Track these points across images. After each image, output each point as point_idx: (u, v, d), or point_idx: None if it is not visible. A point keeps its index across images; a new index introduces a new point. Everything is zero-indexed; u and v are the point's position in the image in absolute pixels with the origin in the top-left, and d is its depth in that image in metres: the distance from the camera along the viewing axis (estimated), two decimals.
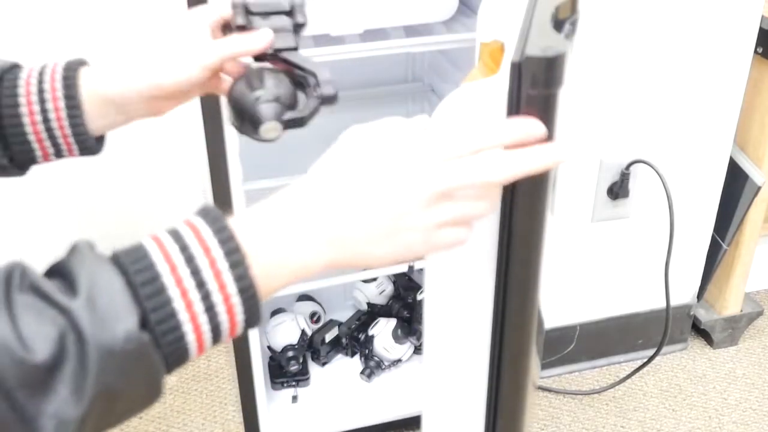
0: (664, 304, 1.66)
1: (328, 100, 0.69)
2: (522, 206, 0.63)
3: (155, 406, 1.71)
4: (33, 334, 0.41)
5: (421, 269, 1.52)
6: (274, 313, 1.71)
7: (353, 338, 1.71)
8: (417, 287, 1.74)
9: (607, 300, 1.78)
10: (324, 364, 1.71)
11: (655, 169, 1.56)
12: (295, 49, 0.71)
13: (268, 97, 0.67)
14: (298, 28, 0.71)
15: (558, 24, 0.66)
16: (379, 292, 1.75)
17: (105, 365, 0.42)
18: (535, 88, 0.57)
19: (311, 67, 0.69)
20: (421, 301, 1.67)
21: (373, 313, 1.74)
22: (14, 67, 0.69)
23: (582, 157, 1.58)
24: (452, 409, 0.80)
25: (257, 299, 0.47)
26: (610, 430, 1.68)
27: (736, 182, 1.70)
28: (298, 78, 0.69)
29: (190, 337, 0.46)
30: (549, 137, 0.59)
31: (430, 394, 0.81)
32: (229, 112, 0.70)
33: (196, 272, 0.45)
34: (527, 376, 0.74)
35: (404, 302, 1.73)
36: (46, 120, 0.66)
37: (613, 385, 1.77)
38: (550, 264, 1.63)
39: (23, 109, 0.66)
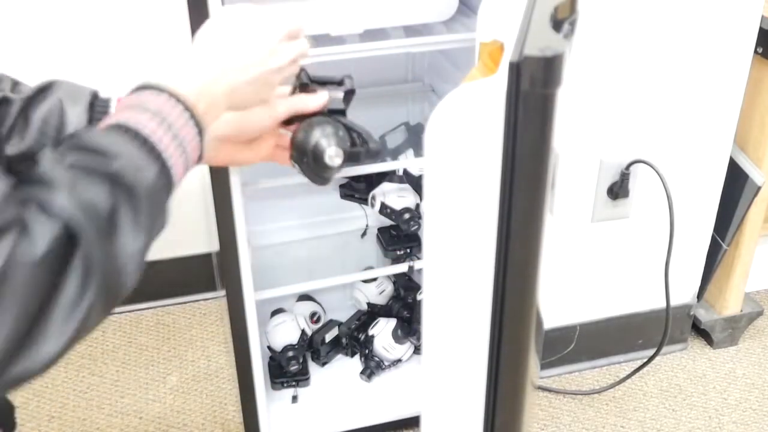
0: (664, 304, 1.66)
1: (375, 153, 0.90)
2: (520, 206, 0.63)
3: (155, 407, 1.71)
4: (93, 194, 0.55)
5: (421, 269, 1.52)
6: (274, 313, 1.71)
7: (353, 338, 1.71)
8: (417, 287, 1.74)
9: (607, 300, 1.78)
10: (324, 364, 1.71)
11: (655, 169, 1.56)
12: (344, 112, 0.89)
13: (329, 132, 0.85)
14: (347, 95, 0.89)
15: (557, 24, 0.66)
16: (379, 292, 1.75)
17: (148, 201, 0.59)
18: (533, 87, 0.57)
19: (358, 127, 0.88)
20: (421, 301, 1.68)
21: (373, 313, 1.74)
22: (96, 95, 0.78)
23: (582, 157, 1.58)
24: (451, 410, 0.81)
25: (204, 133, 0.68)
26: (610, 430, 1.68)
27: (736, 182, 1.70)
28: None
29: (175, 172, 0.64)
30: (547, 138, 0.59)
31: (429, 394, 0.81)
32: (292, 151, 0.87)
33: (172, 132, 0.64)
34: (526, 376, 0.74)
35: (404, 302, 1.73)
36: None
37: (613, 385, 1.77)
38: (550, 264, 1.63)
39: None
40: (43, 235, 0.52)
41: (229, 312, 1.36)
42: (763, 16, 1.53)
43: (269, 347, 1.65)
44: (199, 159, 0.68)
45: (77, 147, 0.58)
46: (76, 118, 0.74)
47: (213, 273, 2.01)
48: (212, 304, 2.03)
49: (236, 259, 1.30)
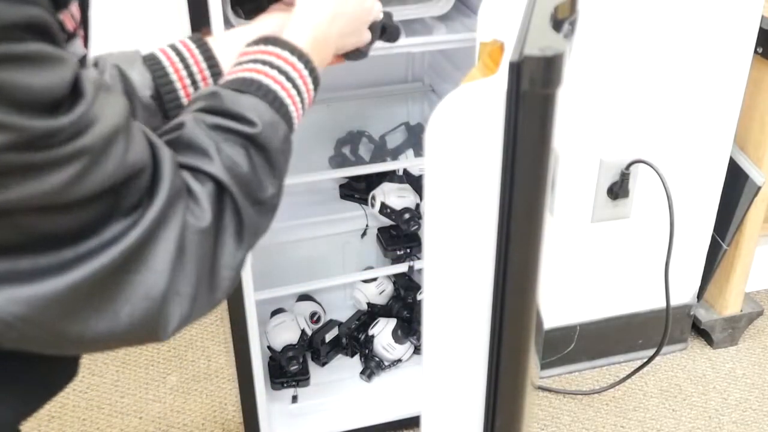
0: (664, 304, 1.66)
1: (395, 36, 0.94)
2: (520, 206, 0.63)
3: (155, 407, 1.71)
4: (236, 157, 0.61)
5: (421, 269, 1.52)
6: (274, 313, 1.71)
7: (353, 338, 1.71)
8: (417, 287, 1.74)
9: (607, 300, 1.78)
10: (324, 364, 1.71)
11: (655, 169, 1.56)
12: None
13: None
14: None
15: (557, 24, 0.66)
16: (379, 292, 1.75)
17: (281, 155, 0.66)
18: (533, 87, 0.57)
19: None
20: (421, 301, 1.68)
21: (373, 313, 1.74)
22: (140, 53, 0.80)
23: (582, 157, 1.58)
24: (451, 410, 0.80)
25: (319, 85, 0.74)
26: (610, 430, 1.68)
27: (736, 182, 1.70)
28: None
29: (296, 124, 0.70)
30: (547, 138, 0.59)
31: (429, 394, 0.81)
32: None
33: (296, 88, 0.70)
34: (526, 376, 0.74)
35: (404, 302, 1.73)
36: (194, 83, 0.79)
37: (613, 385, 1.77)
38: (550, 264, 1.63)
39: (173, 76, 0.77)
40: (205, 198, 0.58)
41: (229, 312, 1.36)
42: (763, 16, 1.53)
43: (269, 347, 1.65)
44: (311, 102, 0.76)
45: (216, 110, 0.63)
46: (139, 77, 0.76)
47: None
48: None
49: None
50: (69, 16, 0.58)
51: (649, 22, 1.47)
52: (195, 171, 0.59)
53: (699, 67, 1.54)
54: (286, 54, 0.70)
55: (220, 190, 0.59)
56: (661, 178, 1.55)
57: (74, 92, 0.49)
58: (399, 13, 1.29)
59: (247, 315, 1.36)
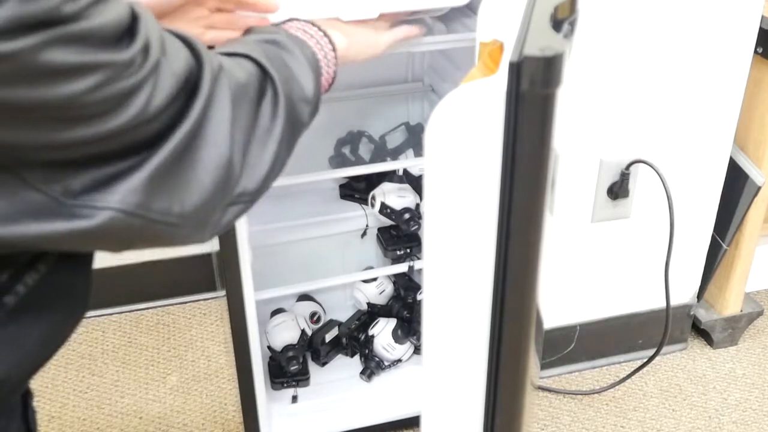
0: (664, 304, 1.66)
1: None
2: (520, 206, 0.63)
3: (155, 407, 1.71)
4: (266, 50, 0.76)
5: (421, 269, 1.52)
6: (274, 313, 1.71)
7: (353, 338, 1.71)
8: (417, 287, 1.74)
9: (607, 300, 1.78)
10: (324, 364, 1.71)
11: (655, 169, 1.56)
12: None
13: None
14: None
15: (557, 24, 0.66)
16: (379, 292, 1.75)
17: (309, 64, 0.81)
18: (533, 87, 0.57)
19: None
20: (421, 301, 1.68)
21: (373, 313, 1.74)
22: None
23: (582, 157, 1.58)
24: (451, 410, 0.81)
25: (338, 58, 0.91)
26: (610, 430, 1.68)
27: (736, 182, 1.70)
28: None
29: (321, 83, 0.84)
30: (547, 138, 0.60)
31: (429, 394, 0.81)
32: None
33: (320, 45, 0.87)
34: (526, 375, 0.74)
35: (404, 302, 1.73)
36: None
37: (613, 385, 1.77)
38: (550, 264, 1.63)
39: None
40: (245, 70, 0.69)
41: (229, 312, 1.36)
42: (763, 16, 1.53)
43: (269, 347, 1.65)
44: (331, 84, 0.90)
45: (262, 37, 0.80)
46: None
47: (213, 273, 2.01)
48: (212, 304, 2.03)
49: (236, 259, 1.30)
50: None
51: (649, 22, 1.47)
52: (235, 55, 0.71)
53: (699, 67, 1.54)
54: (307, 25, 0.88)
55: (260, 67, 0.71)
56: (661, 178, 1.55)
57: (133, 18, 0.54)
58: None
59: (247, 315, 1.36)
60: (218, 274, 1.95)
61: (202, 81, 0.61)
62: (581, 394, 1.77)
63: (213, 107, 0.62)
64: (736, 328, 1.89)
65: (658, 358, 1.74)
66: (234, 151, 0.64)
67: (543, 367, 1.79)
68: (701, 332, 1.91)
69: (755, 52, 1.58)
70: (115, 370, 1.82)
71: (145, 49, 0.54)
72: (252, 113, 0.67)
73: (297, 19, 0.89)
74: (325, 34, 0.88)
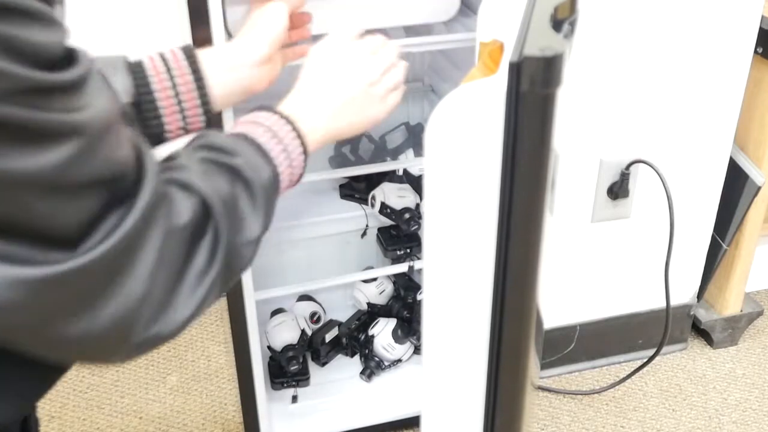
0: (664, 304, 1.66)
1: None
2: (520, 206, 0.63)
3: (155, 407, 1.71)
4: (221, 182, 0.64)
5: (421, 269, 1.52)
6: (274, 313, 1.71)
7: (353, 338, 1.71)
8: (417, 287, 1.74)
9: (607, 300, 1.78)
10: (324, 364, 1.71)
11: (655, 169, 1.56)
12: None
13: None
14: None
15: (557, 24, 0.66)
16: (379, 292, 1.75)
17: (263, 195, 0.68)
18: (533, 87, 0.57)
19: None
20: (421, 301, 1.68)
21: (373, 313, 1.74)
22: (127, 59, 0.81)
23: (582, 157, 1.58)
24: (451, 410, 0.81)
25: (308, 155, 0.79)
26: (610, 430, 1.68)
27: (736, 182, 1.70)
28: None
29: (282, 184, 0.74)
30: (547, 138, 0.60)
31: (429, 394, 0.81)
32: None
33: (283, 146, 0.75)
34: (526, 375, 0.74)
35: (404, 302, 1.73)
36: (177, 94, 0.81)
37: (613, 385, 1.77)
38: (550, 264, 1.63)
39: (156, 86, 0.79)
40: (186, 207, 0.59)
41: (229, 312, 1.36)
42: (763, 16, 1.53)
43: (269, 347, 1.65)
44: (300, 176, 0.79)
45: (205, 145, 0.68)
46: (121, 84, 0.77)
47: None
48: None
49: None
50: None
51: (649, 21, 1.47)
52: (182, 185, 0.61)
53: (699, 67, 1.54)
54: (274, 118, 0.76)
55: (204, 207, 0.61)
56: (661, 178, 1.55)
57: (70, 58, 0.49)
58: (403, 18, 1.29)
59: (247, 315, 1.36)
60: None
61: (137, 201, 0.54)
62: (581, 394, 1.77)
63: (142, 237, 0.54)
64: (736, 328, 1.89)
65: (658, 358, 1.74)
66: (150, 293, 0.55)
67: (543, 367, 1.79)
68: (701, 332, 1.91)
69: (755, 52, 1.58)
70: (115, 370, 1.82)
71: (74, 96, 0.48)
72: (184, 256, 0.59)
73: (273, 111, 0.77)
74: (298, 135, 0.77)
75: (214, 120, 0.85)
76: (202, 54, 0.83)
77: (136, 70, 0.78)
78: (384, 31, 1.30)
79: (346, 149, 1.68)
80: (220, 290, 0.63)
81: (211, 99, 0.83)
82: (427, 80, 1.74)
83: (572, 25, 0.74)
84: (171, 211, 0.57)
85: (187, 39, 1.08)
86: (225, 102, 0.87)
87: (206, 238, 0.61)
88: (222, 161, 0.66)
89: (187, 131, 0.83)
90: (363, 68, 0.86)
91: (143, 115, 0.78)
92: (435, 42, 1.30)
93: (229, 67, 0.85)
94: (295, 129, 0.76)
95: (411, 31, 1.32)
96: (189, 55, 0.81)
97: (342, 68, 0.85)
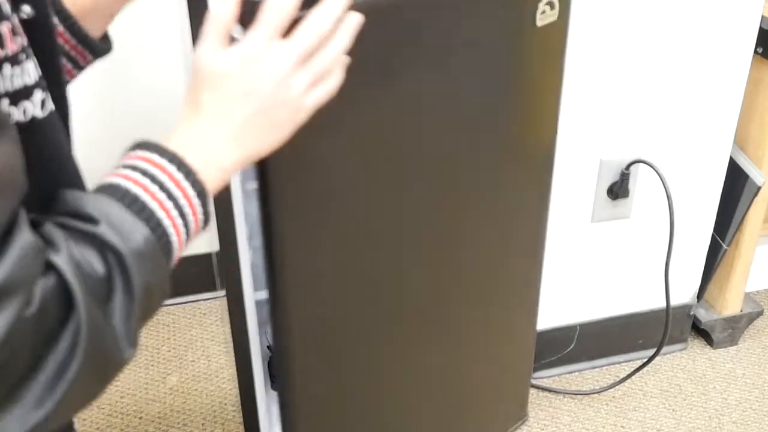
0: (664, 304, 1.66)
1: None
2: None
3: (155, 407, 1.71)
4: (87, 257, 0.53)
5: None
6: None
7: None
8: None
9: (607, 300, 1.78)
10: None
11: (655, 169, 1.56)
12: None
13: None
14: None
15: None
16: None
17: (139, 266, 0.55)
18: None
19: None
20: None
21: None
22: None
23: (582, 157, 1.58)
24: None
25: (207, 195, 0.63)
26: (610, 430, 1.68)
27: (736, 182, 1.70)
28: None
29: (174, 237, 0.60)
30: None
31: None
32: None
33: (165, 191, 0.59)
34: None
35: None
36: None
37: (613, 385, 1.77)
38: (550, 264, 1.63)
39: None
40: (39, 290, 0.49)
41: (229, 312, 1.36)
42: (763, 16, 1.53)
43: (269, 347, 1.64)
44: (207, 219, 0.63)
45: (64, 212, 0.55)
46: None
47: (213, 273, 2.01)
48: (212, 304, 2.03)
49: (236, 259, 1.30)
50: (8, 31, 0.52)
51: (649, 21, 1.47)
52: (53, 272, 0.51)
53: (699, 67, 1.54)
54: (154, 156, 0.60)
55: (62, 286, 0.51)
56: (661, 178, 1.55)
57: None
58: None
59: (247, 315, 1.36)
60: (218, 274, 1.95)
61: None
62: (581, 394, 1.77)
63: None
64: (736, 328, 1.89)
65: (658, 358, 1.74)
66: None
67: (543, 367, 1.79)
68: (701, 332, 1.91)
69: (755, 52, 1.58)
70: None
71: None
72: (32, 347, 0.49)
73: (153, 149, 0.60)
74: (188, 174, 0.60)
75: None
76: None
77: None
78: None
79: None
80: (93, 385, 0.54)
81: (88, 32, 0.77)
82: None
83: None
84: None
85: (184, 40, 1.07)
86: (97, 20, 0.79)
87: (66, 330, 0.50)
88: (81, 229, 0.54)
89: (82, 67, 0.80)
90: (267, 70, 0.65)
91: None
92: None
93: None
94: (183, 167, 0.60)
95: None
96: None
97: (236, 79, 0.65)
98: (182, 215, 0.60)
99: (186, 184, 0.60)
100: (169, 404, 1.73)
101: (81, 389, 0.52)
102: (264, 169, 0.95)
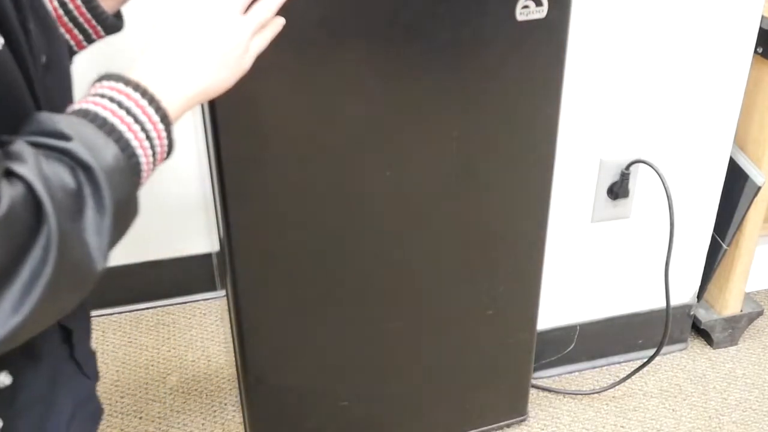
0: (664, 304, 1.66)
1: None
2: None
3: (155, 407, 1.71)
4: (57, 172, 0.55)
5: None
6: None
7: None
8: None
9: (607, 300, 1.78)
10: None
11: (655, 169, 1.56)
12: None
13: None
14: None
15: None
16: None
17: (110, 183, 0.57)
18: None
19: None
20: None
21: None
22: None
23: (582, 157, 1.58)
24: None
25: (170, 121, 0.67)
26: (610, 430, 1.68)
27: (736, 182, 1.70)
28: None
29: (142, 159, 0.63)
30: None
31: None
32: None
33: (132, 115, 0.63)
34: None
35: None
36: (67, 12, 0.80)
37: (613, 385, 1.77)
38: (550, 264, 1.63)
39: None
40: (6, 196, 0.51)
41: (229, 312, 1.36)
42: (763, 16, 1.53)
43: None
44: (170, 146, 0.67)
45: (35, 132, 0.58)
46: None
47: (213, 273, 2.01)
48: (212, 304, 2.03)
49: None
50: None
51: (649, 21, 1.47)
52: (9, 174, 0.53)
53: (699, 67, 1.54)
54: (119, 85, 0.65)
55: (31, 196, 0.53)
56: (661, 178, 1.55)
57: None
58: None
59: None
60: (218, 274, 1.95)
61: None
62: (581, 394, 1.77)
63: None
64: (736, 328, 1.89)
65: (658, 358, 1.74)
66: None
67: (543, 367, 1.79)
68: (701, 332, 1.91)
69: (755, 52, 1.58)
70: (115, 370, 1.82)
71: None
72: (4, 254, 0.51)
73: (117, 79, 0.65)
74: (152, 100, 0.65)
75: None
76: None
77: None
78: None
79: None
80: (68, 294, 0.57)
81: (104, 8, 0.84)
82: None
83: None
84: None
85: None
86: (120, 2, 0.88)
87: (38, 239, 0.53)
88: (55, 146, 0.56)
89: (93, 41, 0.86)
90: (215, 15, 0.74)
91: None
92: None
93: None
94: (146, 95, 0.65)
95: None
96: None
97: (191, 22, 0.74)
98: (149, 138, 0.64)
99: (150, 110, 0.65)
100: (169, 404, 1.73)
101: (55, 296, 0.54)
102: (213, 104, 1.10)
